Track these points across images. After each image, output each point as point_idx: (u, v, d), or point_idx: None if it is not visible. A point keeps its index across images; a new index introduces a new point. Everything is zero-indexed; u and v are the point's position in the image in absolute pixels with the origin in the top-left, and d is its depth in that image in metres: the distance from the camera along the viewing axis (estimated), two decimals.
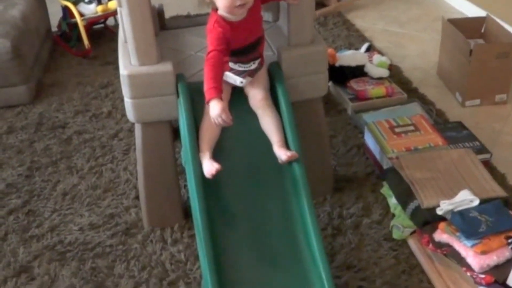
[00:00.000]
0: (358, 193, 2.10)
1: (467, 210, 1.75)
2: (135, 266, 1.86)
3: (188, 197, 2.03)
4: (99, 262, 1.89)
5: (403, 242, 1.87)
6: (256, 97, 1.71)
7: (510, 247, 1.64)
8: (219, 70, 1.59)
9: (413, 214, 1.84)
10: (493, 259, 1.63)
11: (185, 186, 2.10)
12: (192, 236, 1.94)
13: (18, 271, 1.88)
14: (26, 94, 2.86)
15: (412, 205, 1.85)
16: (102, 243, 1.97)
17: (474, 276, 1.64)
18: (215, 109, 1.54)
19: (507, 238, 1.66)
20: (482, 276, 1.62)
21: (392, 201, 1.98)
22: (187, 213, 2.01)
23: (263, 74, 1.76)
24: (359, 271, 1.78)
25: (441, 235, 1.74)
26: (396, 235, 1.89)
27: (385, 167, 2.13)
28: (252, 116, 1.75)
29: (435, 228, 1.77)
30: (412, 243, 1.85)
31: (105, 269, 1.87)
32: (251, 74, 1.71)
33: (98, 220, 2.08)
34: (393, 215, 1.96)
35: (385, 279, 1.74)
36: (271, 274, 1.61)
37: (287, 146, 1.69)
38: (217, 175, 1.61)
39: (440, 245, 1.74)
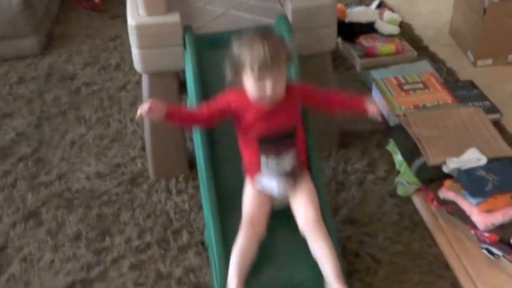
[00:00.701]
0: (363, 149, 2.04)
1: (474, 168, 1.69)
2: (140, 214, 1.84)
3: (193, 149, 1.99)
4: (105, 210, 1.87)
5: (408, 199, 1.82)
6: (307, 219, 1.43)
7: None
8: (187, 112, 1.51)
9: (419, 171, 1.78)
10: (498, 218, 1.58)
11: (191, 138, 2.05)
12: (197, 187, 1.90)
13: (26, 216, 1.87)
14: (36, 45, 2.80)
15: (417, 162, 1.79)
16: (109, 192, 1.94)
17: (478, 235, 1.59)
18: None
19: None
20: (487, 234, 1.57)
21: (398, 157, 1.92)
22: (192, 164, 1.97)
23: (307, 184, 1.49)
24: (362, 225, 1.74)
25: (446, 193, 1.68)
26: (400, 191, 1.84)
27: (392, 124, 2.05)
28: None
29: (440, 186, 1.71)
30: (417, 200, 1.80)
31: (111, 216, 1.85)
32: (288, 176, 1.46)
33: (105, 169, 2.05)
34: (398, 172, 1.90)
35: (388, 234, 1.70)
36: (272, 222, 1.57)
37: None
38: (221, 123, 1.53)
39: (444, 203, 1.68)
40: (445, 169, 1.72)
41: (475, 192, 1.61)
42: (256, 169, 1.47)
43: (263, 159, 1.45)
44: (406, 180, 1.83)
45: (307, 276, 1.42)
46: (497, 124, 2.05)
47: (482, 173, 1.66)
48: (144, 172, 2.02)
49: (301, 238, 1.45)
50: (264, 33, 1.42)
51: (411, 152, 1.83)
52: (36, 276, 1.67)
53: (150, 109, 1.39)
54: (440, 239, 1.66)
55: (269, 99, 1.40)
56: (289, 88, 1.45)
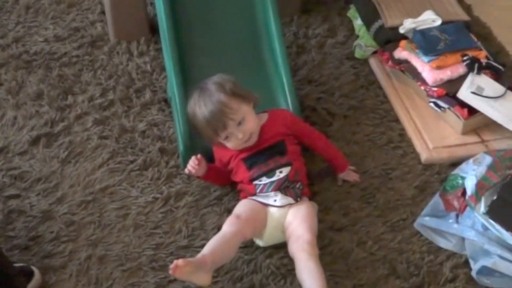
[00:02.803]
0: (325, 16, 2.09)
1: (429, 29, 1.77)
2: (102, 74, 1.87)
3: (154, 14, 1.99)
4: (66, 70, 1.90)
5: (364, 61, 1.92)
6: (299, 240, 1.29)
7: (464, 64, 1.69)
8: (218, 167, 1.49)
9: (377, 33, 1.86)
10: (447, 74, 1.69)
11: (152, 3, 2.05)
12: (159, 50, 1.93)
13: None
14: None
15: (376, 25, 1.86)
16: (68, 54, 1.96)
17: (427, 90, 1.70)
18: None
19: (463, 56, 1.71)
20: (435, 89, 1.69)
21: (357, 22, 1.98)
22: (153, 28, 1.98)
23: (307, 208, 1.38)
24: (320, 85, 1.83)
25: (401, 52, 1.78)
26: (358, 54, 1.92)
27: None
28: None
29: (396, 46, 1.80)
30: (373, 62, 1.89)
31: (72, 76, 1.88)
32: (285, 189, 1.38)
33: (63, 32, 2.04)
34: (357, 37, 1.97)
35: (344, 92, 1.80)
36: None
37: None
38: None
39: (399, 62, 1.78)
40: (401, 29, 1.79)
41: (427, 50, 1.71)
42: (250, 192, 1.41)
43: (257, 182, 1.40)
44: (364, 42, 1.90)
45: None
46: None
47: (436, 33, 1.75)
48: (105, 35, 2.02)
49: None
50: (204, 95, 1.38)
51: (371, 15, 1.89)
52: (0, 131, 1.72)
53: (197, 164, 1.42)
54: (392, 96, 1.77)
55: (244, 143, 1.40)
56: (271, 114, 1.46)
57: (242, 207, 1.39)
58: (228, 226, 1.32)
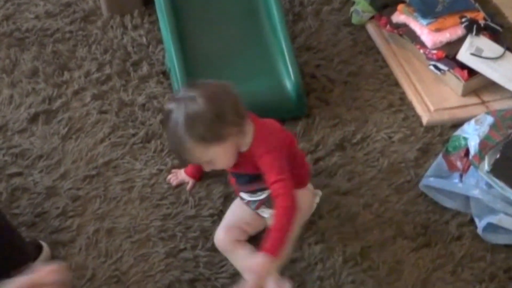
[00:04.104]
0: None
1: None
2: (97, 49, 1.85)
3: None
4: (60, 47, 1.87)
5: (361, 27, 1.90)
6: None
7: (463, 26, 1.69)
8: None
9: None
10: (446, 36, 1.68)
11: None
12: (153, 22, 1.90)
13: None
14: None
15: None
16: (61, 30, 1.92)
17: (427, 53, 1.70)
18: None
19: (461, 17, 1.70)
20: (434, 52, 1.68)
21: None
22: (146, 0, 1.95)
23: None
24: (318, 51, 1.82)
25: (399, 16, 1.77)
26: (355, 20, 1.91)
27: None
28: None
29: (393, 11, 1.79)
30: (370, 28, 1.88)
31: (67, 52, 1.85)
32: (268, 202, 1.29)
33: (54, 8, 2.00)
34: (353, 3, 1.95)
35: (343, 58, 1.79)
36: (234, 51, 1.64)
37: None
38: None
39: (397, 26, 1.77)
40: None
41: (426, 12, 1.70)
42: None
43: (242, 194, 1.33)
44: (360, 8, 1.89)
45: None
46: None
47: None
48: (97, 9, 1.99)
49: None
50: (170, 122, 1.16)
51: None
52: None
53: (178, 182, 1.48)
54: (391, 61, 1.77)
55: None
56: (254, 142, 1.20)
57: (235, 217, 1.34)
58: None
